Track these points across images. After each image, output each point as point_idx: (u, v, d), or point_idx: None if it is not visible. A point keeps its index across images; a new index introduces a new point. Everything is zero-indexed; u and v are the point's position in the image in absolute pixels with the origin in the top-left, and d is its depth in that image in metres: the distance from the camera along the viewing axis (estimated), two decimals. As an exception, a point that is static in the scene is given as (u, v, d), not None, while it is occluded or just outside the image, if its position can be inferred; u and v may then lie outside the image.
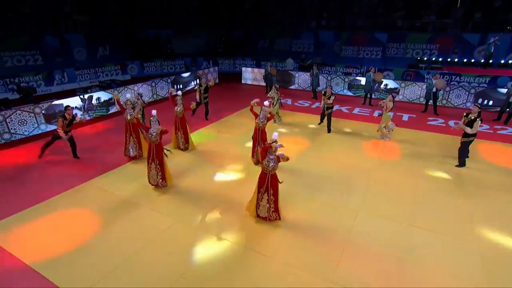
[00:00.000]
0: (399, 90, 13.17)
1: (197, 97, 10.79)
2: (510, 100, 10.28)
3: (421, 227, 5.30)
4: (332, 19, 21.21)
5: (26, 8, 18.03)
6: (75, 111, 9.45)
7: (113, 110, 11.59)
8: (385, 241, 4.98)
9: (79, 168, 7.46)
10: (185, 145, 8.29)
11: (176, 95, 8.17)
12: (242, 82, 17.35)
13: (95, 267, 4.47)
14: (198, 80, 15.55)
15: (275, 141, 4.89)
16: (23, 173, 7.16)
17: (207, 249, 4.81)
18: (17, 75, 13.68)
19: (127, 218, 5.59)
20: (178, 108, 8.03)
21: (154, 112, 6.26)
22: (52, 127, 9.83)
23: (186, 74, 15.16)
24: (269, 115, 6.94)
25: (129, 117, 7.46)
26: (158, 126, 6.07)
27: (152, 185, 6.43)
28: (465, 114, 7.17)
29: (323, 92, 9.65)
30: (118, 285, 4.17)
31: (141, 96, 9.06)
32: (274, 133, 5.05)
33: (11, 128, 8.91)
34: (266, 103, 7.13)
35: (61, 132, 7.38)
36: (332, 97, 9.37)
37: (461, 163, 7.30)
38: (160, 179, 6.31)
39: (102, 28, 19.61)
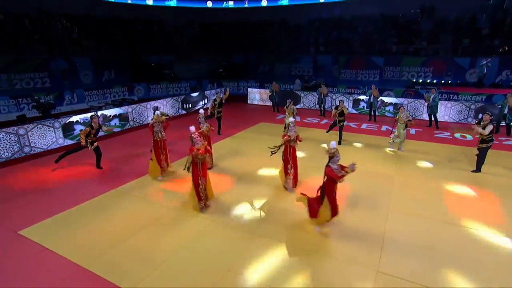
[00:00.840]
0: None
1: (209, 111, 11.14)
2: (504, 112, 10.88)
3: (451, 223, 5.48)
4: (329, 45, 22.40)
5: (36, 34, 18.63)
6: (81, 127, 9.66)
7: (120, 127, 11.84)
8: (421, 236, 5.11)
9: (105, 177, 7.50)
10: (211, 163, 7.96)
11: (198, 113, 7.94)
12: (248, 102, 17.83)
13: (140, 263, 4.45)
14: (205, 100, 16.01)
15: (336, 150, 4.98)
16: (48, 183, 7.15)
17: (249, 246, 4.85)
18: (29, 94, 13.84)
19: (162, 219, 5.61)
20: (204, 126, 7.50)
21: (192, 128, 5.94)
22: (69, 142, 9.90)
23: (195, 94, 15.57)
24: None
25: (160, 135, 7.27)
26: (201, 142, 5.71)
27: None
28: (476, 121, 7.60)
29: (334, 107, 10.06)
30: (166, 279, 4.15)
31: (157, 109, 9.34)
32: (332, 142, 5.19)
33: (32, 142, 8.94)
34: (291, 119, 6.80)
35: (83, 141, 7.46)
36: (345, 111, 9.77)
37: (478, 169, 7.61)
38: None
39: (108, 53, 20.21)
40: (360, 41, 21.46)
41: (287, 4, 25.32)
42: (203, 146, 5.65)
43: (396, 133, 9.26)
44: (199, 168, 5.70)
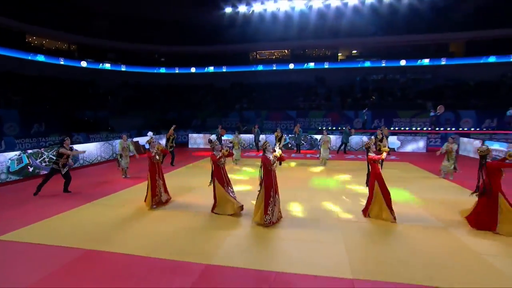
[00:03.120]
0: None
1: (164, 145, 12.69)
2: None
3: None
4: (251, 103, 26.96)
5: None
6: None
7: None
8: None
9: (76, 197, 8.01)
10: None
11: (210, 140, 7.90)
12: (189, 146, 19.72)
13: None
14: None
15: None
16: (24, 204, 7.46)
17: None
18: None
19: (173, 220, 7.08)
20: (223, 160, 6.63)
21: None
22: (13, 178, 10.02)
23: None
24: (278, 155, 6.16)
25: (157, 158, 7.18)
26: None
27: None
28: (373, 137, 11.53)
29: (275, 135, 13.16)
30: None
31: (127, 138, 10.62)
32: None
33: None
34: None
35: (64, 161, 8.10)
36: (283, 139, 12.94)
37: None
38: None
39: (38, 107, 19.89)
40: (276, 100, 26.71)
41: (213, 71, 29.80)
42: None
43: (322, 154, 12.60)
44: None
